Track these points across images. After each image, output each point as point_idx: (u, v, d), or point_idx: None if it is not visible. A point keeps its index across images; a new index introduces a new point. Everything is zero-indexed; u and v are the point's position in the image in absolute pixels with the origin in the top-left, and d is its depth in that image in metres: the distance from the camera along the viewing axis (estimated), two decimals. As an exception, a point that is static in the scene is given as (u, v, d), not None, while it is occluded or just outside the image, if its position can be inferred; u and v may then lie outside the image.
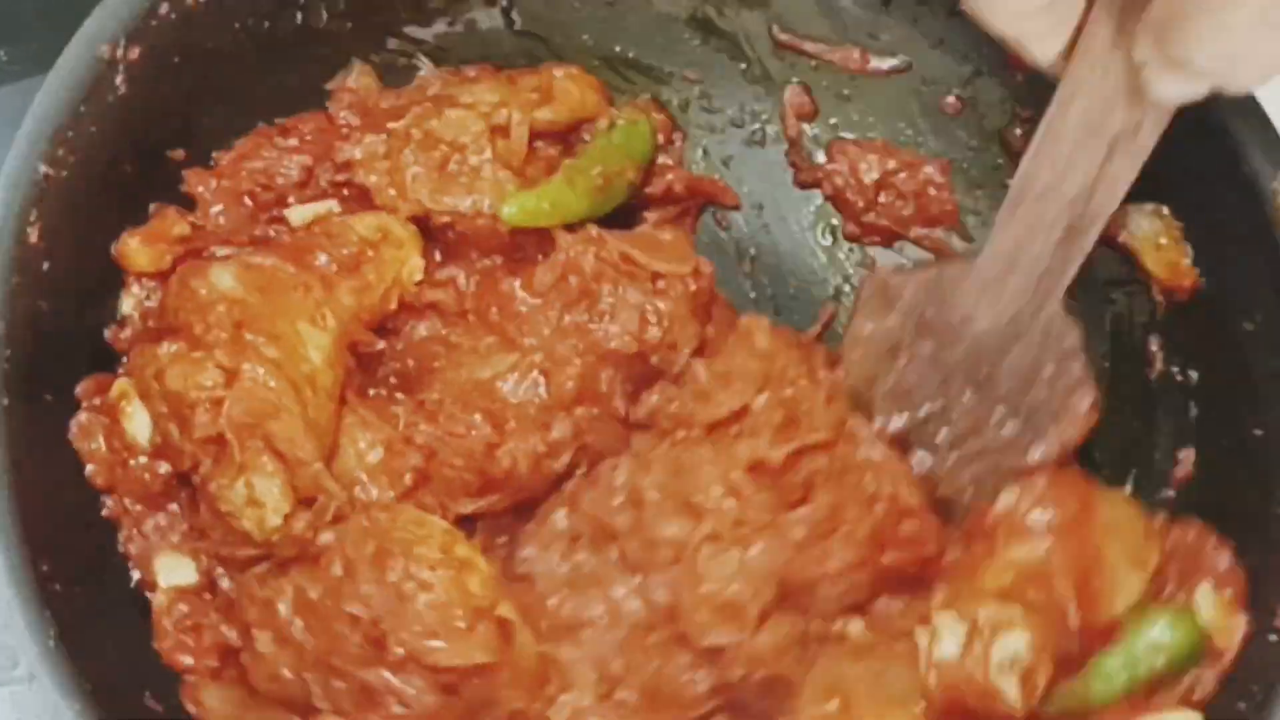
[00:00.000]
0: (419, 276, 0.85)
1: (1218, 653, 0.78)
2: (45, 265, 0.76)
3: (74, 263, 0.78)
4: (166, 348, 0.77)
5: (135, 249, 0.82)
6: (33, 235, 0.75)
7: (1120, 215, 0.86)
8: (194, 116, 0.85)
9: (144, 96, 0.79)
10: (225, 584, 0.80)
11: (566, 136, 0.91)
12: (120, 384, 0.80)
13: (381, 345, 0.85)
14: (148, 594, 0.80)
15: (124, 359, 0.82)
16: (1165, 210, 0.84)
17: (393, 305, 0.84)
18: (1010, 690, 0.76)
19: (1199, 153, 0.79)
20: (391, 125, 0.86)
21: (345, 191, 0.86)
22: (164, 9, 0.79)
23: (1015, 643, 0.77)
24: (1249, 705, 0.75)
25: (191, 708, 0.78)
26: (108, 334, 0.83)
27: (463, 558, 0.77)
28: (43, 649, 0.70)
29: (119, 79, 0.78)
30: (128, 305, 0.83)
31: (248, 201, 0.86)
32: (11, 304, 0.74)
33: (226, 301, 0.78)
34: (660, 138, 0.95)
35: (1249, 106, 0.78)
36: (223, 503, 0.75)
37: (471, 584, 0.76)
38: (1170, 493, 0.85)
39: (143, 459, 0.79)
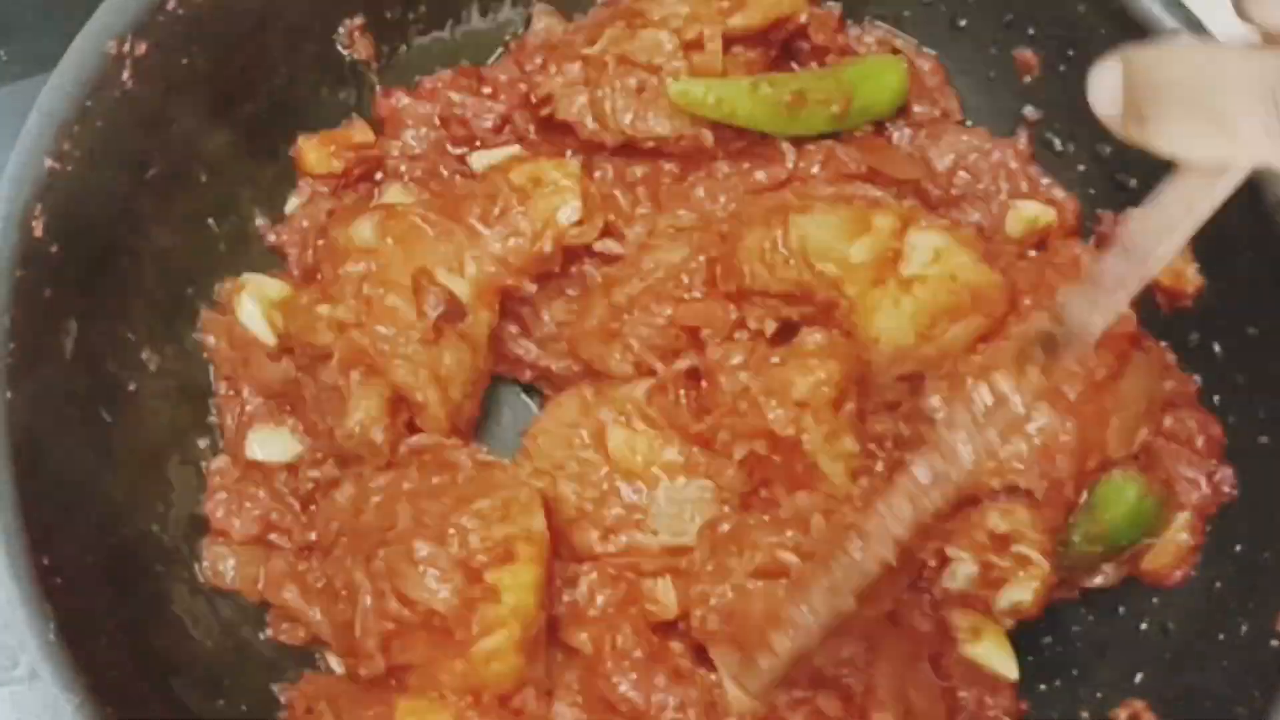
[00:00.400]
0: (576, 218, 0.84)
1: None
2: (50, 258, 0.76)
3: (79, 255, 0.78)
4: (303, 296, 0.82)
5: (308, 149, 0.86)
6: (38, 229, 0.75)
7: (1125, 223, 0.86)
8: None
9: (151, 92, 0.79)
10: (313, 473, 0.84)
11: (766, 37, 0.87)
12: (238, 280, 0.85)
13: (533, 289, 0.85)
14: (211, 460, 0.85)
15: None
16: (1170, 216, 0.84)
17: (548, 248, 0.84)
18: None
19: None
20: (586, 51, 0.85)
21: (532, 132, 0.88)
22: (171, 4, 0.79)
23: None
24: (1249, 710, 0.75)
25: (210, 575, 0.83)
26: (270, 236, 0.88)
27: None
28: (43, 642, 0.70)
29: (126, 74, 0.78)
30: (291, 205, 0.87)
31: (440, 129, 0.89)
32: (16, 296, 0.73)
33: (360, 253, 0.81)
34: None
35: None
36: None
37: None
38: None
39: (262, 355, 0.84)
